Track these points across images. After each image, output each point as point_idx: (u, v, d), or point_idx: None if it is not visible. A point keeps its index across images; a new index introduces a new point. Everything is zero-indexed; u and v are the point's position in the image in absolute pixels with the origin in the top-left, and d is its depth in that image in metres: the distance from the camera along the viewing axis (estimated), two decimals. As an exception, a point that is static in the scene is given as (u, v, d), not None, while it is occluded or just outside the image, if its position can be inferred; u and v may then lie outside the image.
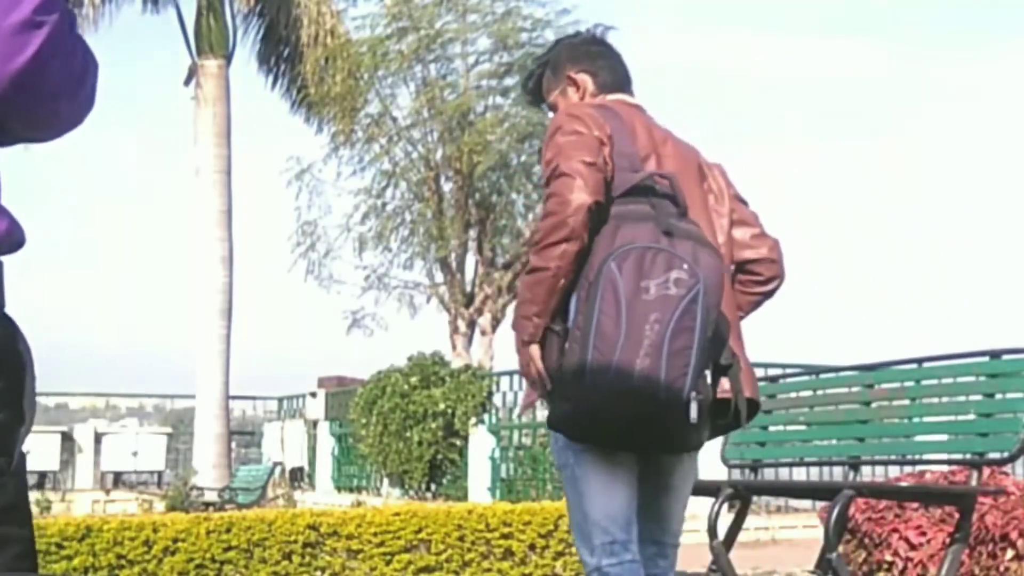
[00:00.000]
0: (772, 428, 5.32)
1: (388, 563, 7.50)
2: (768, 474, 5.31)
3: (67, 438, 19.45)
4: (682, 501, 2.99)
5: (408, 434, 14.49)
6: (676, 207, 2.70)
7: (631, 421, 2.61)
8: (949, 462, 5.26)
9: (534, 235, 2.78)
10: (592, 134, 2.73)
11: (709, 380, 2.70)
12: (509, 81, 17.11)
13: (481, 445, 13.94)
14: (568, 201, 2.63)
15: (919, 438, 4.90)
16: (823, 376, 5.30)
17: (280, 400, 22.01)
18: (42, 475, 18.96)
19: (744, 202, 3.10)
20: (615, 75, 3.08)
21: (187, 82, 18.70)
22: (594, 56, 3.09)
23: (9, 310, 1.49)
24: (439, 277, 18.31)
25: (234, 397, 19.58)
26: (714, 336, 2.63)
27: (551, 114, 3.12)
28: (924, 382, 4.65)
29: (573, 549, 7.88)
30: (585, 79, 3.05)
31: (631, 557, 2.74)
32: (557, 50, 3.18)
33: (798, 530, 12.79)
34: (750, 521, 9.99)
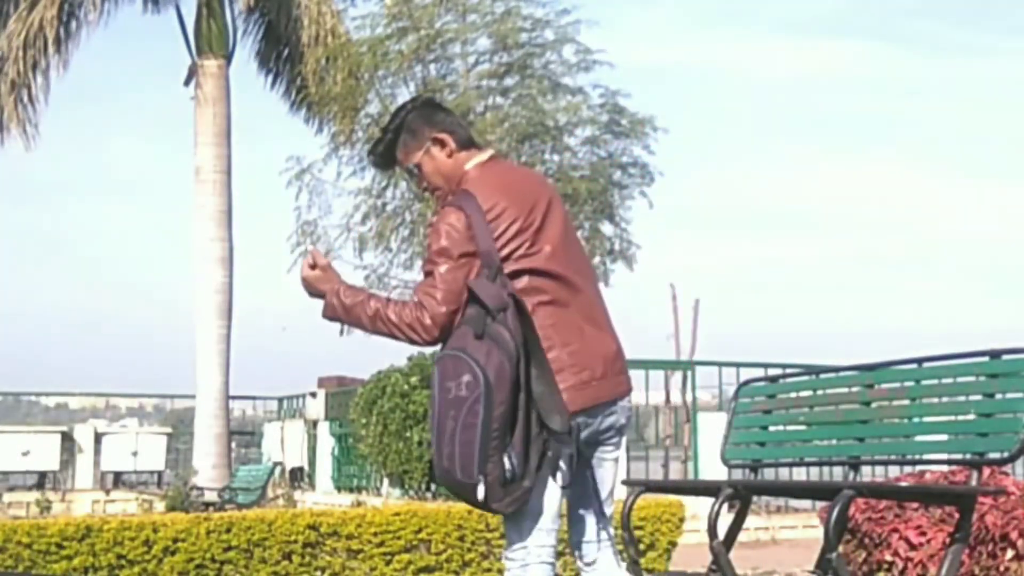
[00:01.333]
0: (772, 428, 5.31)
1: (388, 563, 7.50)
2: (768, 474, 5.30)
3: (67, 438, 19.44)
4: (611, 471, 3.52)
5: (408, 434, 14.47)
6: (488, 312, 3.17)
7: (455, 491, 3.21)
8: (949, 462, 5.25)
9: (397, 318, 3.33)
10: (461, 254, 3.25)
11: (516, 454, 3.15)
12: (509, 81, 17.10)
13: (481, 445, 13.92)
14: (422, 329, 3.28)
15: (919, 438, 4.89)
16: (823, 376, 5.28)
17: (280, 400, 22.00)
18: (42, 475, 18.96)
19: None
20: (466, 131, 3.53)
21: (187, 82, 18.71)
22: (444, 117, 3.53)
23: None
24: (439, 277, 18.27)
25: (234, 397, 19.58)
26: (515, 418, 3.13)
27: (414, 171, 3.53)
28: (924, 382, 4.64)
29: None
30: (447, 137, 3.45)
31: (552, 543, 3.31)
32: (408, 117, 3.51)
33: (798, 530, 12.81)
34: (750, 521, 9.99)
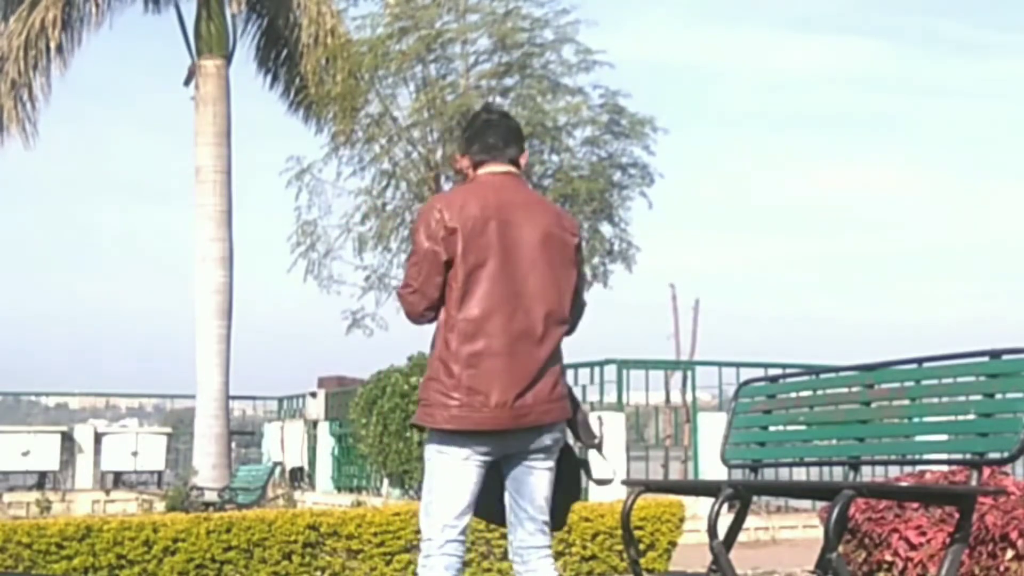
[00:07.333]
0: (772, 428, 5.31)
1: (388, 563, 7.50)
2: (768, 474, 5.30)
3: (67, 438, 19.41)
4: (543, 480, 3.76)
5: (408, 434, 14.46)
6: None
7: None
8: (949, 462, 5.25)
9: None
10: None
11: None
12: (509, 81, 17.09)
13: (481, 445, 13.90)
14: None
15: (919, 438, 4.89)
16: (823, 376, 5.28)
17: (280, 400, 22.00)
18: (42, 475, 18.94)
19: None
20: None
21: (187, 82, 18.70)
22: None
23: None
24: (439, 277, 18.23)
25: (234, 397, 19.57)
26: None
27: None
28: (924, 382, 4.64)
29: (573, 549, 7.87)
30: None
31: (454, 537, 3.64)
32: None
33: (798, 530, 12.80)
34: (750, 521, 9.97)
